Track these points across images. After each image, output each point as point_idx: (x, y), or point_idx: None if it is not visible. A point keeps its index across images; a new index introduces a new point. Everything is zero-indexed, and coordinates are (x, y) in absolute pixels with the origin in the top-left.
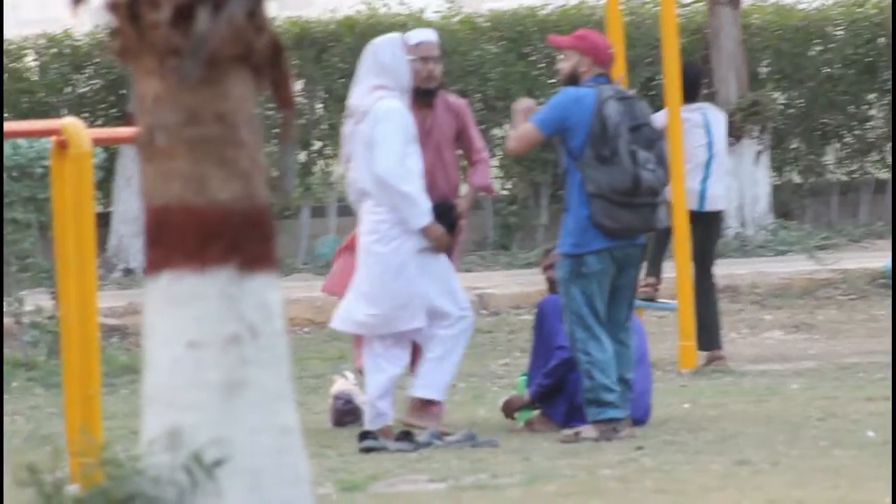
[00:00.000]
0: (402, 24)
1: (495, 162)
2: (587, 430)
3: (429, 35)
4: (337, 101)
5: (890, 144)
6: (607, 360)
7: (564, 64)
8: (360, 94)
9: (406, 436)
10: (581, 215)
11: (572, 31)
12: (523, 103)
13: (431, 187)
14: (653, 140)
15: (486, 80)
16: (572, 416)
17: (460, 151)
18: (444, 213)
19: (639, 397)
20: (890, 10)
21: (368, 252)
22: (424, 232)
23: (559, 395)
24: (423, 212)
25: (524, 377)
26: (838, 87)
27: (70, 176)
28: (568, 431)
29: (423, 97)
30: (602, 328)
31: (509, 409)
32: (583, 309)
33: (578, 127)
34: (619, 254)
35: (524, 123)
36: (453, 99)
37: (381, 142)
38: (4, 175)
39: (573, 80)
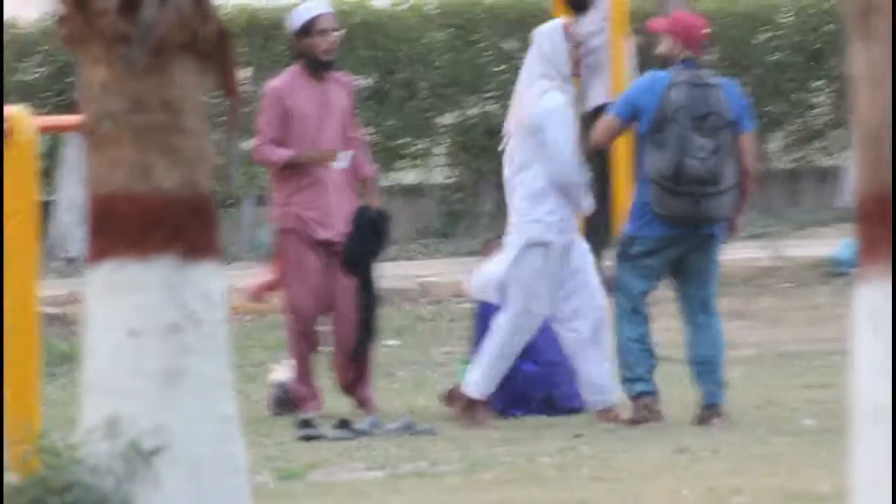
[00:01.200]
0: (350, 12)
1: (442, 150)
2: (624, 412)
3: (325, 7)
4: None
5: (834, 132)
6: (639, 339)
7: (661, 47)
8: (525, 83)
9: (345, 423)
10: (641, 199)
11: (519, 18)
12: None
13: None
14: (717, 129)
15: (433, 67)
16: (511, 405)
17: None
18: (378, 220)
19: (576, 385)
20: None
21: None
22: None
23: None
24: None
25: (464, 365)
26: (785, 74)
27: (14, 164)
28: (604, 412)
29: (320, 70)
30: (634, 309)
31: (449, 398)
32: (623, 287)
33: (647, 111)
34: (679, 241)
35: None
36: (342, 75)
37: (552, 143)
38: None
39: (665, 63)
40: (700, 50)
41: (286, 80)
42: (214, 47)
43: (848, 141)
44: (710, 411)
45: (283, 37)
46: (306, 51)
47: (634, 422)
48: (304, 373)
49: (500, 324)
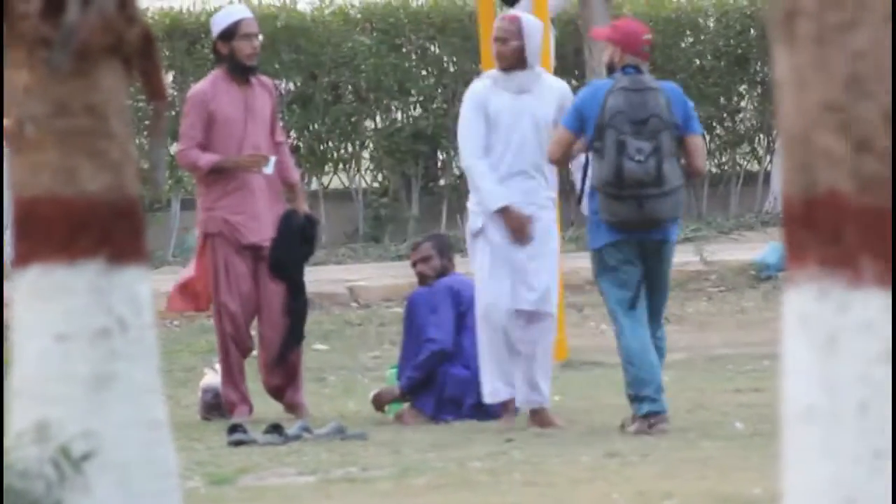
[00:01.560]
0: (274, 16)
1: (365, 155)
2: (633, 425)
3: (247, 12)
4: None
5: (760, 136)
6: (640, 353)
7: (605, 55)
8: None
9: (275, 429)
10: (591, 209)
11: (443, 23)
12: None
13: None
14: (656, 132)
15: (358, 71)
16: (442, 409)
17: None
18: (306, 226)
19: None
20: (761, 2)
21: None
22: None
23: (429, 388)
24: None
25: (394, 370)
26: (710, 79)
27: None
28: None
29: (243, 74)
30: (631, 321)
31: (379, 402)
32: (611, 303)
33: (590, 119)
34: (635, 246)
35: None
36: (265, 78)
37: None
38: None
39: (610, 70)
40: (640, 55)
41: (209, 84)
42: (139, 51)
43: (773, 145)
44: (654, 418)
45: (207, 41)
46: (229, 55)
47: (639, 432)
48: (234, 378)
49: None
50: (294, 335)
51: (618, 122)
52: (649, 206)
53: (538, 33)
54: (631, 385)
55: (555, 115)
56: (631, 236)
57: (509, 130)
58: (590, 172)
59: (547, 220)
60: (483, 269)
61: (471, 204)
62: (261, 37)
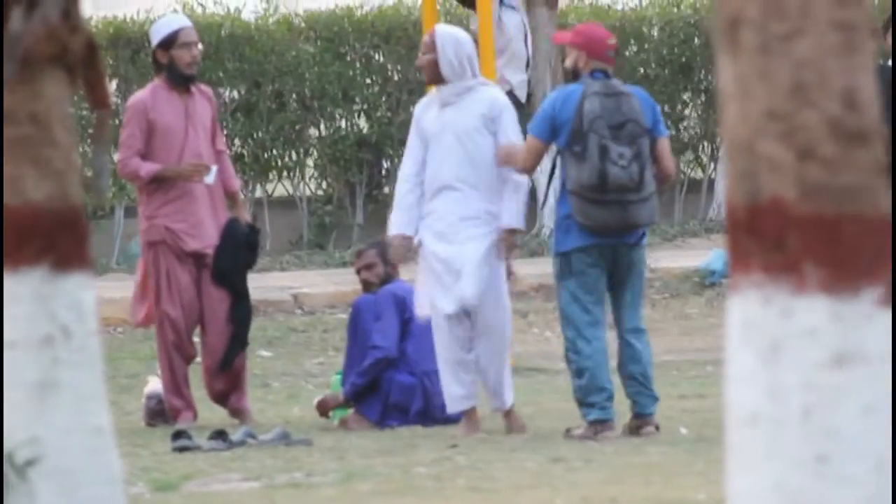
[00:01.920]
0: (218, 25)
1: (309, 162)
2: (579, 430)
3: (186, 21)
4: None
5: (704, 144)
6: (595, 361)
7: (567, 60)
8: None
9: (220, 434)
10: (562, 213)
11: (388, 31)
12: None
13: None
14: (635, 136)
15: (302, 79)
16: (387, 415)
17: None
18: (249, 234)
19: None
20: (705, 11)
21: None
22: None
23: (374, 394)
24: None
25: (339, 376)
26: (654, 87)
27: None
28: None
29: (183, 82)
30: (592, 327)
31: (324, 408)
32: (569, 307)
33: (564, 124)
34: (607, 252)
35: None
36: (204, 87)
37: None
38: None
39: (575, 75)
40: (606, 60)
41: (149, 93)
42: (83, 60)
43: (717, 153)
44: (640, 421)
45: (150, 50)
46: (168, 64)
47: (585, 437)
48: (178, 384)
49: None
50: (238, 341)
51: (598, 126)
52: (630, 211)
53: (457, 45)
54: (580, 390)
55: (481, 125)
56: (605, 241)
57: (435, 144)
58: (556, 177)
59: (477, 233)
60: (419, 278)
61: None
62: (200, 46)
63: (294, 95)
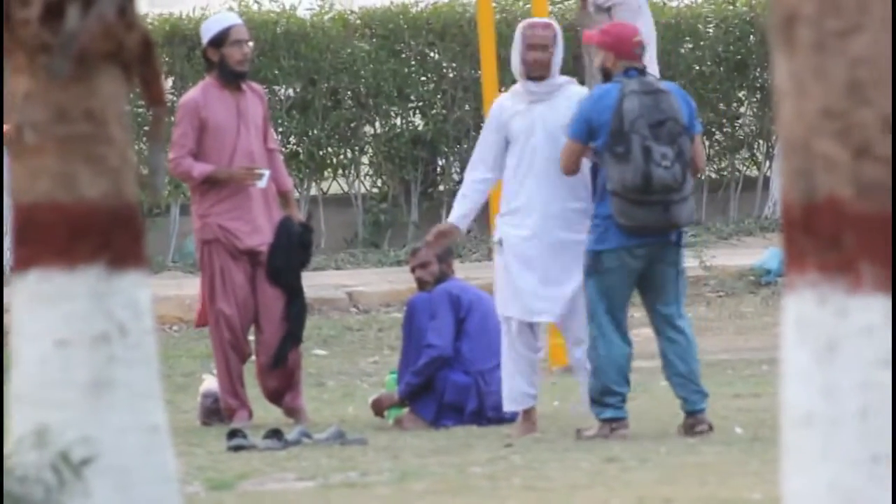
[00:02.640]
0: (273, 22)
1: (365, 160)
2: (592, 429)
3: (237, 18)
4: None
5: (759, 142)
6: (613, 361)
7: (596, 60)
8: None
9: (275, 433)
10: (601, 213)
11: (443, 29)
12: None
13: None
14: (675, 135)
15: (357, 77)
16: (442, 415)
17: None
18: (302, 233)
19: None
20: (761, 8)
21: None
22: None
23: (428, 394)
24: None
25: (393, 375)
26: (709, 84)
27: None
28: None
29: (234, 80)
30: (615, 327)
31: (379, 407)
32: (596, 306)
33: (602, 125)
34: (644, 252)
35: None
36: (255, 85)
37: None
38: None
39: (606, 75)
40: (634, 58)
41: (200, 92)
42: (138, 57)
43: (772, 150)
44: (692, 419)
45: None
46: (220, 62)
47: (597, 437)
48: (233, 383)
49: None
50: (291, 337)
51: (639, 126)
52: (672, 210)
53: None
54: (595, 389)
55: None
56: (645, 241)
57: (523, 141)
58: (604, 176)
59: (566, 239)
60: (500, 278)
61: (500, 213)
62: (251, 43)
63: (349, 93)
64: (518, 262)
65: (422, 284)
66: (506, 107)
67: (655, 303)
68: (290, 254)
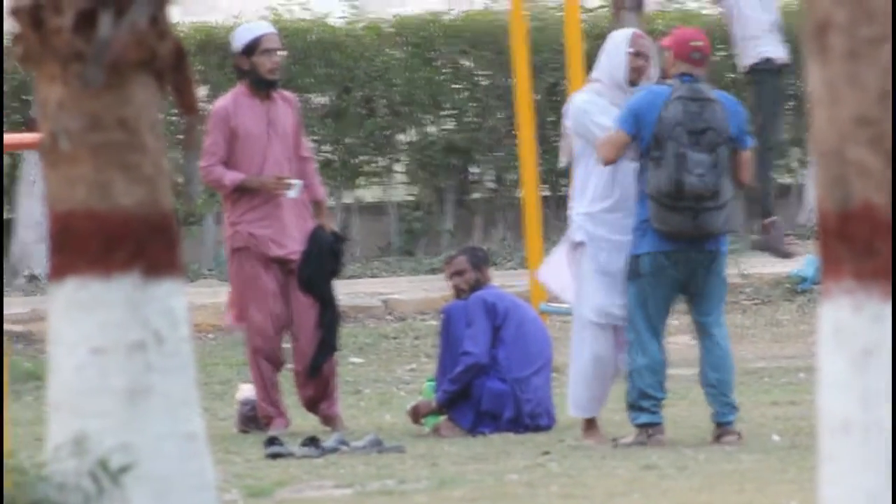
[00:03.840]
0: (306, 30)
1: (401, 168)
2: (628, 437)
3: (269, 27)
4: None
5: (794, 149)
6: (649, 367)
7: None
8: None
9: (312, 441)
10: (641, 216)
11: (475, 37)
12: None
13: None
14: (715, 145)
15: (391, 85)
16: (479, 422)
17: None
18: (335, 242)
19: (543, 402)
20: (790, 17)
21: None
22: None
23: (466, 401)
24: None
25: (431, 382)
26: (742, 92)
27: None
28: (619, 439)
29: (265, 88)
30: (651, 338)
31: (416, 415)
32: (634, 311)
33: (647, 126)
34: (682, 258)
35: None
36: (287, 93)
37: (587, 131)
38: None
39: (665, 77)
40: (693, 63)
41: (230, 100)
42: (171, 65)
43: (806, 158)
44: (720, 430)
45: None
46: (250, 70)
47: (634, 445)
48: (268, 391)
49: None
50: (326, 346)
51: (677, 133)
52: (703, 218)
53: None
54: (630, 394)
55: None
56: (680, 247)
57: None
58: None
59: None
60: (581, 282)
61: (573, 214)
62: (282, 52)
63: (383, 101)
64: (612, 263)
65: (458, 292)
66: (597, 103)
67: (694, 310)
68: (320, 262)
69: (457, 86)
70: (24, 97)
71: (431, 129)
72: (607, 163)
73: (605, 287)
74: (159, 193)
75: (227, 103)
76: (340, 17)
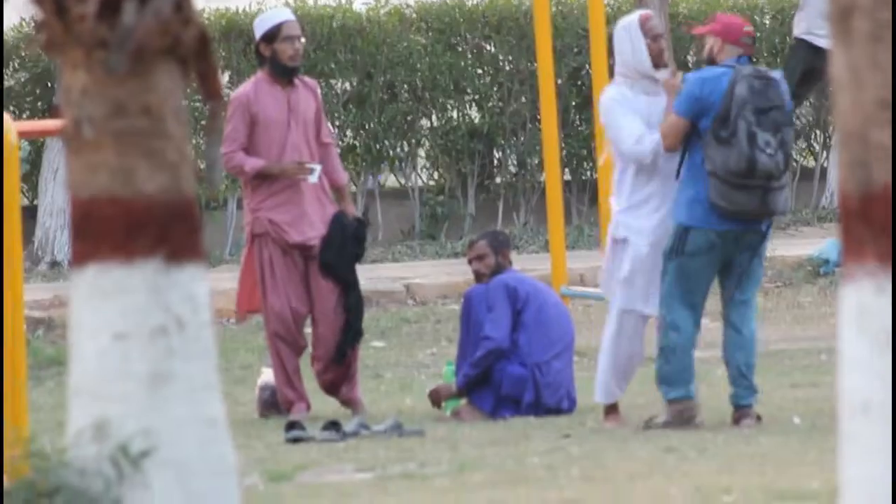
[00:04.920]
0: (329, 16)
1: (421, 153)
2: (661, 416)
3: (289, 14)
4: None
5: (816, 132)
6: (680, 349)
7: (705, 49)
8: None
9: (333, 425)
10: (694, 193)
11: (498, 22)
12: (671, 81)
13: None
14: (780, 124)
15: (414, 70)
16: (500, 406)
17: None
18: (358, 227)
19: (564, 385)
20: None
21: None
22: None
23: (486, 386)
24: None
25: (451, 366)
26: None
27: None
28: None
29: (286, 75)
30: (690, 310)
31: (436, 398)
32: (673, 287)
33: (710, 106)
34: (733, 237)
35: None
36: (308, 79)
37: (614, 132)
38: None
39: (712, 62)
40: (743, 46)
41: (251, 87)
42: (195, 52)
43: (829, 141)
44: (738, 412)
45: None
46: (271, 57)
47: (668, 424)
48: (289, 376)
49: (606, 324)
50: (352, 331)
51: (746, 112)
52: (770, 197)
53: None
54: (661, 370)
55: None
56: (737, 226)
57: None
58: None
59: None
60: (622, 274)
61: (614, 209)
62: (304, 39)
63: (406, 86)
64: (649, 255)
65: (479, 276)
66: (624, 99)
67: (734, 290)
68: (342, 247)
69: (479, 71)
70: (47, 84)
71: (454, 114)
72: (669, 149)
73: (643, 279)
74: (182, 180)
75: (247, 90)
76: (363, 3)
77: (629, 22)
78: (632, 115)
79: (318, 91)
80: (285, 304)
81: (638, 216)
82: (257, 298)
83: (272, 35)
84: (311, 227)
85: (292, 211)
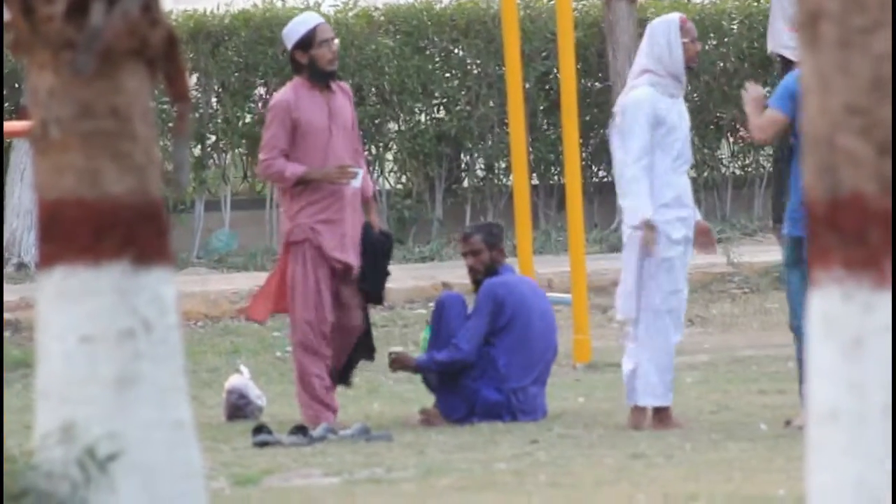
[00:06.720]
0: None
1: (389, 156)
2: (798, 419)
3: (319, 18)
4: (232, 94)
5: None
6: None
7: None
8: (631, 76)
9: (300, 430)
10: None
11: (466, 25)
12: (754, 91)
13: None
14: None
15: (381, 73)
16: (470, 418)
17: None
18: (384, 242)
19: (540, 407)
20: None
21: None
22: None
23: (458, 397)
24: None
25: (429, 331)
26: (733, 81)
27: None
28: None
29: (324, 80)
30: None
31: (397, 364)
32: (797, 296)
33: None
34: None
35: (758, 112)
36: (343, 84)
37: (626, 135)
38: None
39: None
40: None
41: (291, 92)
42: (163, 53)
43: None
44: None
45: (230, 43)
46: (309, 64)
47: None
48: (315, 388)
49: (637, 329)
50: (367, 350)
51: None
52: None
53: None
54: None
55: None
56: None
57: (673, 134)
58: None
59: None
60: (649, 275)
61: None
62: (337, 40)
63: (373, 89)
64: (676, 256)
65: (473, 273)
66: (658, 99)
67: None
68: (375, 268)
69: (447, 74)
70: (14, 85)
71: (422, 117)
72: (763, 142)
73: (672, 278)
74: (149, 182)
75: (287, 95)
76: (331, 6)
77: (670, 21)
78: (649, 128)
79: (352, 95)
80: (312, 315)
81: (665, 217)
82: (284, 300)
83: (307, 41)
84: (349, 245)
85: (331, 220)
